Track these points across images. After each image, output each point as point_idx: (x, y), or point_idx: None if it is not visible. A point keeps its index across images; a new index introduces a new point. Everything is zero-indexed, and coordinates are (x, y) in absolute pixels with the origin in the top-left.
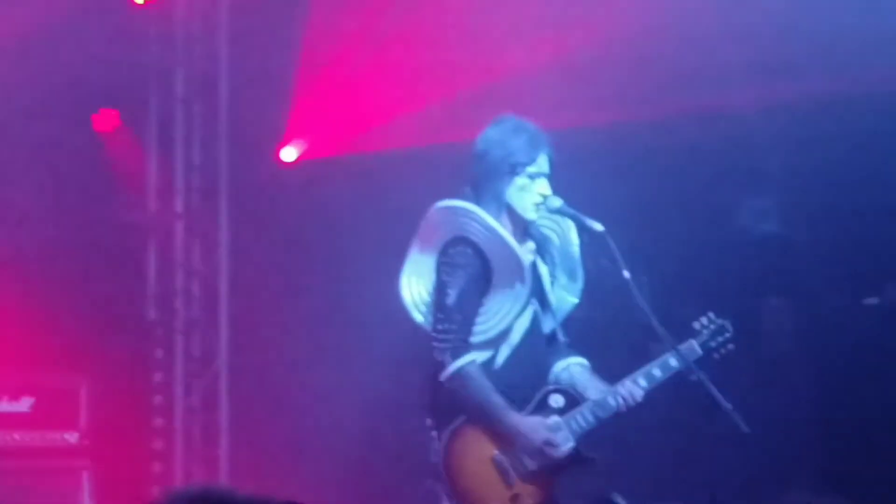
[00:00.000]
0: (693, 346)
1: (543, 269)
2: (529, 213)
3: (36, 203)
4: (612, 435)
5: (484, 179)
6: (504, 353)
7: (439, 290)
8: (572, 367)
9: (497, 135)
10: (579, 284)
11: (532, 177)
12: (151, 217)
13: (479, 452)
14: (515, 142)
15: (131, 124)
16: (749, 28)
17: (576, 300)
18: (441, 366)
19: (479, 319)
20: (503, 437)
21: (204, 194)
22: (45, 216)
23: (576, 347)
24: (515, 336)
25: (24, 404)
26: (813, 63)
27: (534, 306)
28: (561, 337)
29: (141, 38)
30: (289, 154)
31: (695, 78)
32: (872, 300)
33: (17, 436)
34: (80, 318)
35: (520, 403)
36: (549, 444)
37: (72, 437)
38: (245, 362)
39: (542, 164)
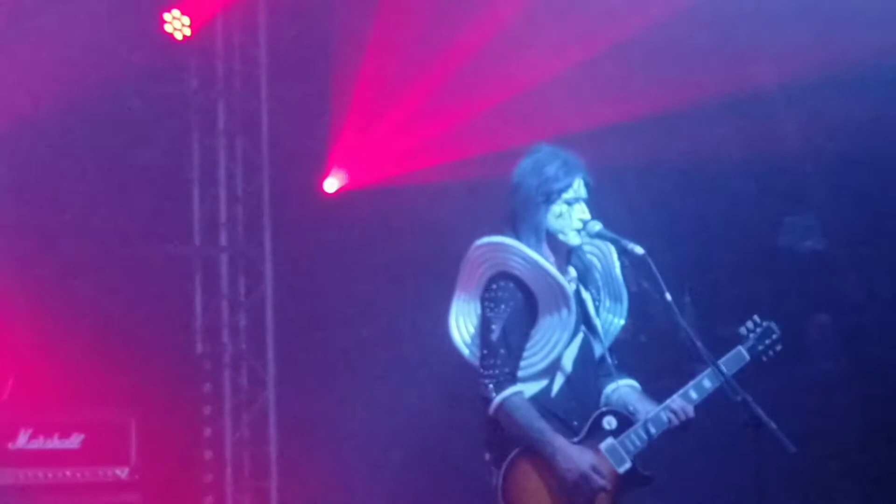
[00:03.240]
0: (741, 353)
1: (587, 296)
2: (572, 239)
3: (83, 240)
4: (659, 458)
5: (522, 211)
6: (559, 381)
7: (483, 326)
8: (622, 389)
9: (530, 164)
10: (624, 305)
11: (569, 202)
12: (196, 250)
13: (536, 482)
14: (549, 169)
15: (174, 158)
16: (792, 46)
17: (622, 321)
18: (488, 401)
19: (529, 351)
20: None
21: (247, 227)
22: (91, 253)
23: (624, 369)
24: (567, 364)
25: (74, 441)
26: (857, 83)
27: (582, 333)
28: (609, 360)
29: (182, 73)
30: (331, 185)
31: (737, 97)
32: None
33: (68, 472)
34: (128, 353)
35: (577, 430)
36: (595, 469)
37: (122, 473)
38: (292, 394)
39: (578, 188)
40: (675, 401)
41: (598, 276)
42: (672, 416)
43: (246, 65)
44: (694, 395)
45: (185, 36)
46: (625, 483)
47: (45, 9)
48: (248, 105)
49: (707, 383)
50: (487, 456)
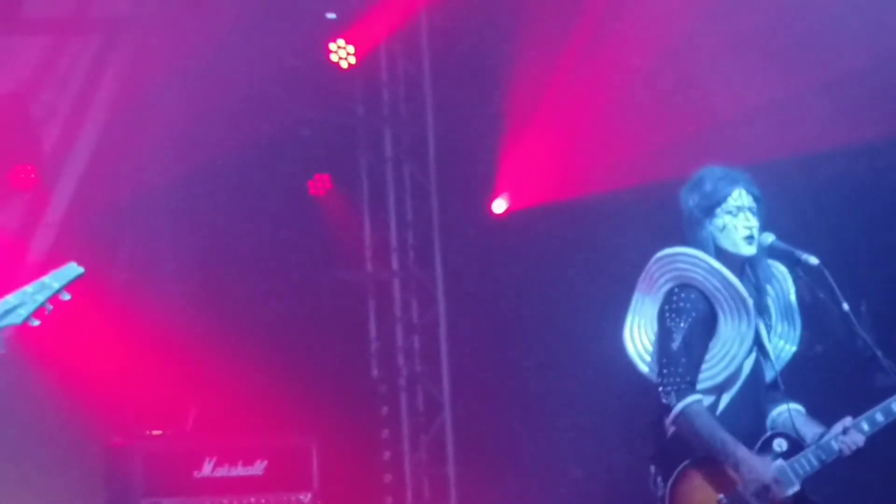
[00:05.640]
0: None
1: (759, 321)
2: (743, 249)
3: (258, 269)
4: (835, 473)
5: (689, 232)
6: (725, 400)
7: (664, 336)
8: (789, 412)
9: (689, 186)
10: (797, 332)
11: (732, 213)
12: (369, 276)
13: (702, 496)
14: (707, 185)
15: (344, 186)
16: None
17: (794, 348)
18: (667, 409)
19: (707, 364)
20: (727, 478)
21: (418, 251)
22: (267, 281)
23: (800, 382)
24: (737, 383)
25: (258, 468)
26: None
27: (754, 353)
28: (781, 385)
29: (348, 102)
30: (500, 206)
31: None
32: None
33: (252, 499)
34: (306, 379)
35: None
36: (777, 481)
37: (305, 498)
38: (469, 414)
39: (740, 197)
40: (848, 432)
41: (771, 302)
42: (843, 447)
43: (411, 90)
44: (866, 426)
45: (350, 64)
46: None
47: (214, 44)
48: (415, 130)
49: (880, 417)
50: (653, 468)
